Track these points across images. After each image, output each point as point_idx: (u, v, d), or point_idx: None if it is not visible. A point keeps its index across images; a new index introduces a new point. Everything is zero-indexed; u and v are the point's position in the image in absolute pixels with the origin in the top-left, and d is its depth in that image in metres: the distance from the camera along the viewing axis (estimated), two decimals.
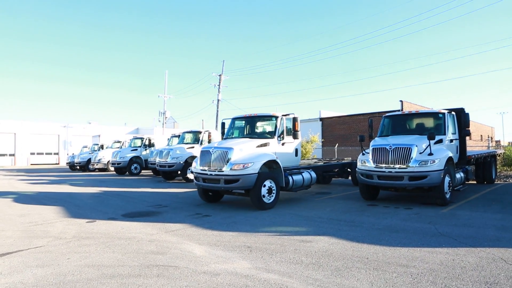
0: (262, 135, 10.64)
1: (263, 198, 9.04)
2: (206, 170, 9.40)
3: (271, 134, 10.34)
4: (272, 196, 9.31)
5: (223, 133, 11.71)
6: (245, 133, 11.12)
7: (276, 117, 10.49)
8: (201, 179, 9.60)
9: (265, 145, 9.92)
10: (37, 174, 26.23)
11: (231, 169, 8.90)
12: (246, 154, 9.28)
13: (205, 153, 9.60)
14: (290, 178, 9.95)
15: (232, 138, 10.86)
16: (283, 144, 10.41)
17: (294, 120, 10.62)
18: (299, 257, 4.87)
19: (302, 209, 8.98)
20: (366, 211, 8.53)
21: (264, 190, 9.05)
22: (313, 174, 11.06)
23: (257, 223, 7.34)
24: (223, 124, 11.96)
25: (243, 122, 11.43)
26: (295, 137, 10.64)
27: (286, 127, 10.57)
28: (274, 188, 9.36)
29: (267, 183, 9.18)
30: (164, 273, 4.31)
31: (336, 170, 13.93)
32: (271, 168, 9.74)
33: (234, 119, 11.57)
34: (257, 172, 8.96)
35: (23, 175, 25.68)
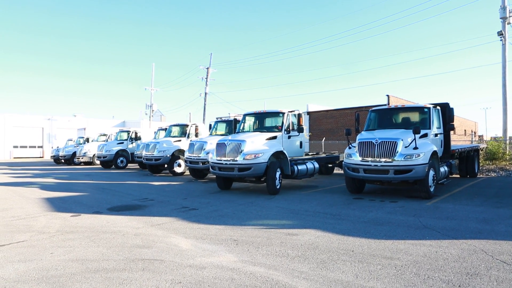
0: (271, 129, 11.84)
1: (276, 185, 10.38)
2: (221, 160, 10.69)
3: (279, 128, 11.53)
4: (280, 182, 10.66)
5: (235, 128, 13.40)
6: (255, 128, 12.44)
7: (283, 113, 11.71)
8: (217, 168, 10.86)
9: (273, 138, 11.14)
10: (20, 168, 25.72)
11: (244, 158, 10.21)
12: (257, 145, 10.57)
13: (220, 145, 10.87)
14: (295, 167, 11.12)
15: (243, 132, 12.09)
16: (289, 137, 11.67)
17: (299, 116, 11.97)
18: (285, 250, 4.89)
19: (289, 202, 9.02)
20: (352, 204, 8.62)
21: (277, 178, 10.41)
22: (316, 165, 12.24)
23: (243, 216, 7.34)
24: (235, 120, 14.21)
25: (254, 117, 12.74)
26: (299, 131, 12.00)
27: (292, 122, 11.81)
28: (281, 175, 10.71)
29: (277, 172, 10.47)
30: (150, 267, 4.28)
31: (338, 162, 15.01)
32: (278, 158, 10.89)
33: (245, 115, 12.87)
34: (266, 161, 10.21)
35: (6, 168, 25.16)
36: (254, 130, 12.12)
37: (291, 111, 11.86)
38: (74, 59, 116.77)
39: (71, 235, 5.88)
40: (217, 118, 17.16)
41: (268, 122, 12.46)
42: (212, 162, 11.11)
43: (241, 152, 10.32)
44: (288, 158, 10.95)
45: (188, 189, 11.99)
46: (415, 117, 10.57)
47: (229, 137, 11.26)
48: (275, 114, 12.08)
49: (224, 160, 10.59)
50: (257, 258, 4.59)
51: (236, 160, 10.33)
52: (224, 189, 11.57)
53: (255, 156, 10.14)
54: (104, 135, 28.35)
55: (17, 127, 48.15)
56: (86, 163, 28.01)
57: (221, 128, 16.38)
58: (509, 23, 20.53)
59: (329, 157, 14.61)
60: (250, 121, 12.78)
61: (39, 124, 50.43)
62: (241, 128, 12.52)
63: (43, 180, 15.91)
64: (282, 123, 11.54)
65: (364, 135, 9.76)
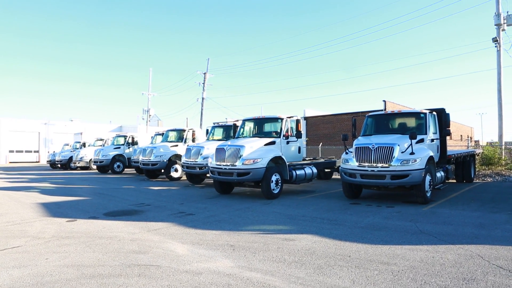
0: (270, 134, 12.03)
1: (272, 189, 10.42)
2: (221, 165, 10.83)
3: (277, 134, 11.70)
4: (278, 187, 10.72)
5: (235, 133, 13.72)
6: (254, 133, 12.56)
7: (282, 119, 11.86)
8: (216, 172, 10.99)
9: (272, 143, 11.28)
10: (16, 173, 25.57)
11: (243, 163, 10.34)
12: (256, 151, 10.70)
13: (220, 150, 11.02)
14: (293, 172, 11.23)
15: (243, 137, 12.23)
16: (287, 142, 11.78)
17: (297, 121, 12.17)
18: (282, 256, 4.88)
19: (286, 207, 9.01)
20: (349, 209, 8.62)
21: (273, 182, 10.47)
22: (314, 170, 12.31)
23: (240, 222, 7.32)
24: (235, 125, 14.83)
25: (253, 123, 12.89)
26: (298, 136, 12.10)
27: (290, 127, 11.98)
28: (280, 180, 10.78)
29: (274, 176, 10.55)
30: (146, 273, 4.25)
31: (335, 167, 14.97)
32: (277, 163, 11.00)
33: (244, 121, 13.03)
34: (265, 166, 10.32)
35: (1, 173, 24.99)
36: (253, 135, 12.24)
37: (289, 117, 11.99)
38: (71, 63, 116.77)
39: (66, 241, 5.84)
40: (214, 123, 17.12)
41: (267, 127, 12.59)
42: (211, 167, 11.26)
43: (240, 157, 10.48)
44: (287, 163, 11.06)
45: (185, 194, 11.95)
46: (411, 122, 10.62)
47: (228, 142, 11.42)
48: (274, 119, 12.22)
49: (223, 165, 10.74)
50: (253, 263, 4.58)
51: (235, 165, 10.47)
52: (223, 193, 11.64)
53: (253, 161, 10.28)
54: (101, 139, 28.26)
55: (13, 131, 47.88)
56: (82, 168, 27.88)
57: (218, 133, 16.36)
58: (503, 30, 20.74)
59: (327, 162, 14.70)
60: (249, 126, 12.93)
61: (35, 129, 50.17)
62: (240, 133, 12.66)
63: (39, 184, 15.81)
64: (281, 128, 11.67)
65: (361, 141, 9.78)
